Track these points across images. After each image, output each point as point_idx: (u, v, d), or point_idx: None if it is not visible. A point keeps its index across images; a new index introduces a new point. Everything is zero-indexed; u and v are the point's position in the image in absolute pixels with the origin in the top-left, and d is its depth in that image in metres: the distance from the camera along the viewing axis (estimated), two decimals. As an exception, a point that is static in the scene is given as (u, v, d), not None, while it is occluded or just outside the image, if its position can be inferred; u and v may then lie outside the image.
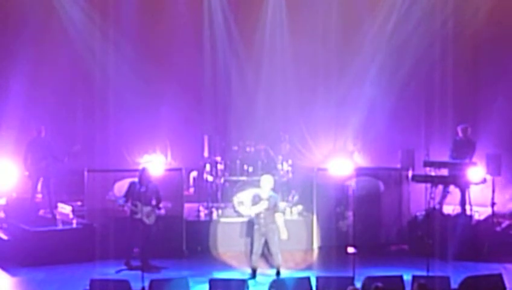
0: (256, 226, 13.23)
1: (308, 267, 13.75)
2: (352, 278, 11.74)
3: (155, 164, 15.03)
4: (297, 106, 17.27)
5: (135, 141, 16.63)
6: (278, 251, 13.23)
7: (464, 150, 15.16)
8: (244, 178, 15.49)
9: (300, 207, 15.57)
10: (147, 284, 11.58)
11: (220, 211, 15.35)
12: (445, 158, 15.36)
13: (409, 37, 17.05)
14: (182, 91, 17.06)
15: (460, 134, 15.33)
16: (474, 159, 15.10)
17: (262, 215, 13.13)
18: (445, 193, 15.26)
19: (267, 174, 13.92)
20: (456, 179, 14.87)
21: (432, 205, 15.01)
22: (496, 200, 15.09)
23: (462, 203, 15.09)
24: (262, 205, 13.10)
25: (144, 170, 13.83)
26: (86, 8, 16.93)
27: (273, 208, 13.16)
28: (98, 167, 15.21)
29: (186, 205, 15.26)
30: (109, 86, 17.08)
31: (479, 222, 15.09)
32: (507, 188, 16.28)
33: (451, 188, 15.19)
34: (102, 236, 14.54)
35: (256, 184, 14.67)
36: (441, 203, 15.20)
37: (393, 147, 16.22)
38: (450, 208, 15.34)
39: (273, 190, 13.45)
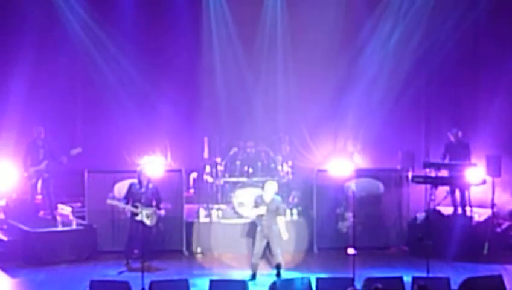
0: (258, 228, 13.26)
1: (308, 269, 13.74)
2: (352, 279, 11.73)
3: (155, 164, 15.01)
4: (298, 107, 17.26)
5: (135, 142, 16.62)
6: (279, 252, 13.27)
7: (458, 153, 15.19)
8: (244, 179, 15.48)
9: (300, 208, 15.56)
10: (146, 285, 11.58)
11: (219, 212, 15.34)
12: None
13: (408, 38, 17.05)
14: (182, 92, 17.04)
15: (452, 138, 15.36)
16: (473, 161, 15.12)
17: (264, 217, 13.17)
18: (446, 195, 15.28)
19: (269, 177, 14.01)
20: (456, 180, 14.87)
21: (431, 206, 15.02)
22: (495, 201, 15.10)
23: (462, 204, 15.11)
24: (261, 210, 13.14)
25: (141, 170, 13.84)
26: (85, 8, 16.91)
27: (275, 211, 13.22)
28: (98, 168, 15.21)
29: (186, 206, 15.26)
30: (109, 87, 17.07)
31: (478, 223, 15.10)
32: (507, 189, 16.28)
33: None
34: (102, 237, 14.57)
35: (256, 185, 14.70)
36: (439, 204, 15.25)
37: (393, 148, 16.22)
38: (450, 209, 15.36)
39: (276, 193, 13.51)
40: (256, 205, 13.25)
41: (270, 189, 13.32)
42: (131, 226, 13.73)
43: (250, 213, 13.41)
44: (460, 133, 15.34)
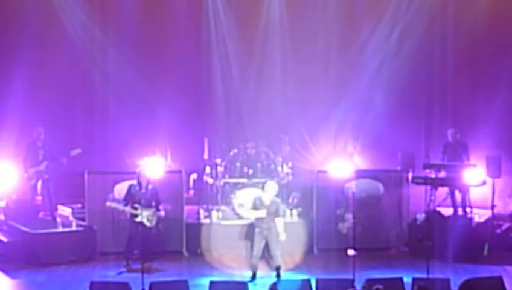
0: (257, 229, 13.25)
1: (308, 270, 13.74)
2: (352, 281, 11.74)
3: (154, 166, 14.99)
4: (297, 108, 17.25)
5: (135, 143, 16.60)
6: (278, 253, 13.26)
7: (457, 153, 15.20)
8: (244, 180, 15.48)
9: (300, 209, 15.56)
10: (146, 286, 11.58)
11: (219, 213, 15.33)
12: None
13: (408, 39, 17.05)
14: (182, 93, 17.04)
15: (450, 138, 15.38)
16: (473, 161, 15.12)
17: (264, 219, 13.17)
18: (446, 196, 15.28)
19: (269, 178, 14.04)
20: (455, 181, 14.88)
21: (431, 207, 15.02)
22: (495, 203, 15.10)
23: (463, 205, 15.10)
24: (261, 213, 13.14)
25: (140, 172, 13.84)
26: (85, 10, 16.90)
27: (274, 213, 13.23)
28: (98, 169, 15.21)
29: (186, 207, 15.26)
30: (109, 88, 17.07)
31: (479, 224, 15.10)
32: (507, 190, 16.28)
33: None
34: (102, 238, 14.57)
35: (256, 186, 14.70)
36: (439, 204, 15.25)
37: (393, 149, 16.21)
38: (450, 210, 15.35)
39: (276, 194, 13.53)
40: (255, 207, 13.24)
41: (271, 190, 13.32)
42: (130, 227, 13.73)
43: (250, 215, 13.38)
44: (458, 134, 15.35)
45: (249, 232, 14.00)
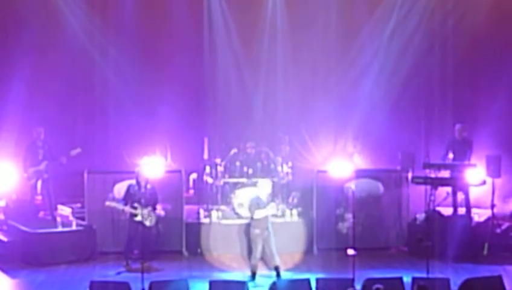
0: (257, 231, 13.21)
1: (308, 269, 13.74)
2: (352, 280, 11.75)
3: (152, 165, 14.99)
4: (297, 108, 17.25)
5: (135, 143, 16.61)
6: (275, 250, 13.25)
7: (460, 150, 15.18)
8: (243, 180, 15.48)
9: (300, 209, 15.56)
10: (146, 286, 11.59)
11: (219, 213, 15.33)
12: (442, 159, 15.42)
13: (408, 38, 17.05)
14: (181, 93, 17.04)
15: (456, 134, 15.37)
16: (473, 161, 15.12)
17: (263, 219, 13.16)
18: (446, 195, 15.28)
19: (265, 177, 13.99)
20: (455, 181, 14.87)
21: (431, 207, 15.02)
22: (495, 202, 15.10)
23: (467, 205, 15.07)
24: (273, 209, 13.15)
25: (138, 171, 13.84)
26: (86, 11, 16.91)
27: None
28: (98, 169, 15.21)
29: (186, 207, 15.26)
30: (109, 88, 17.07)
31: (478, 223, 15.10)
32: (507, 190, 16.28)
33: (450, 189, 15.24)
34: (102, 238, 14.57)
35: (256, 186, 14.68)
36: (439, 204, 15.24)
37: (393, 148, 16.22)
38: (450, 210, 15.35)
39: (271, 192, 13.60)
40: (259, 207, 13.20)
41: (266, 188, 13.40)
42: (130, 227, 13.74)
43: (259, 215, 13.26)
44: (465, 132, 15.29)
45: (246, 232, 13.97)
